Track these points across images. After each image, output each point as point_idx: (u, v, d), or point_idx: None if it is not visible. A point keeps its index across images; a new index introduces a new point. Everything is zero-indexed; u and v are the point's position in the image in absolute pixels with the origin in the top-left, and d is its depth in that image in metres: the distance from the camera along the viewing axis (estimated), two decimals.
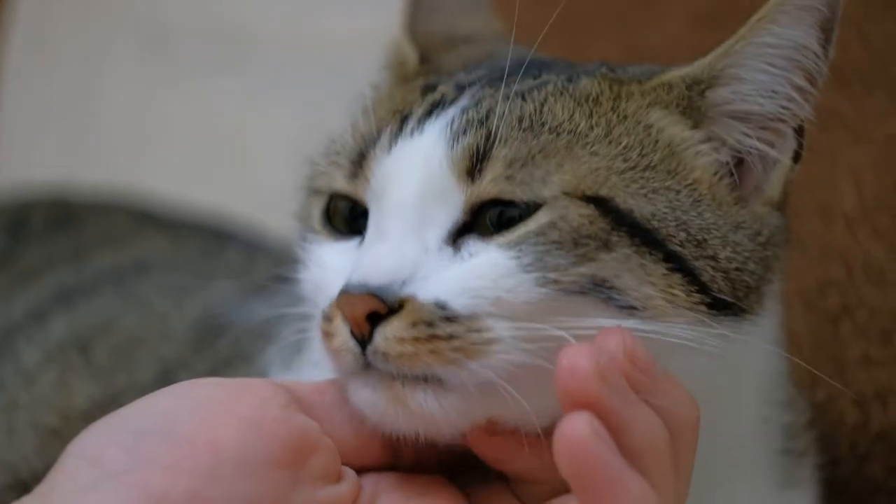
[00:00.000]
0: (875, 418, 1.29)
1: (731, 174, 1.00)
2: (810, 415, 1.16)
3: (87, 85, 2.28)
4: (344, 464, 0.93)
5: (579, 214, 0.93)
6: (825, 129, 1.39)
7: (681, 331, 0.93)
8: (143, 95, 2.23)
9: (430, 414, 0.91)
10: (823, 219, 1.38)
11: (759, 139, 1.00)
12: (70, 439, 0.88)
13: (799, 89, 1.00)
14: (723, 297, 0.95)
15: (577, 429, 0.81)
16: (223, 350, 1.33)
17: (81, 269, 1.64)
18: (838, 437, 1.29)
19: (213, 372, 1.09)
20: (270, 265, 1.11)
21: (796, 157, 1.02)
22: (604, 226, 0.93)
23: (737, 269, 0.96)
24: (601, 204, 0.94)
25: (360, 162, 1.00)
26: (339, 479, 0.91)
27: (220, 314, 1.38)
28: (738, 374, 1.01)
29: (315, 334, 0.98)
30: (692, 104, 1.00)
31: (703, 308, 0.94)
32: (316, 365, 1.04)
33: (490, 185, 0.94)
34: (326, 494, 0.89)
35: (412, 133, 0.99)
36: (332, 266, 1.00)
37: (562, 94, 1.00)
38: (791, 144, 1.01)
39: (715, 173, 0.99)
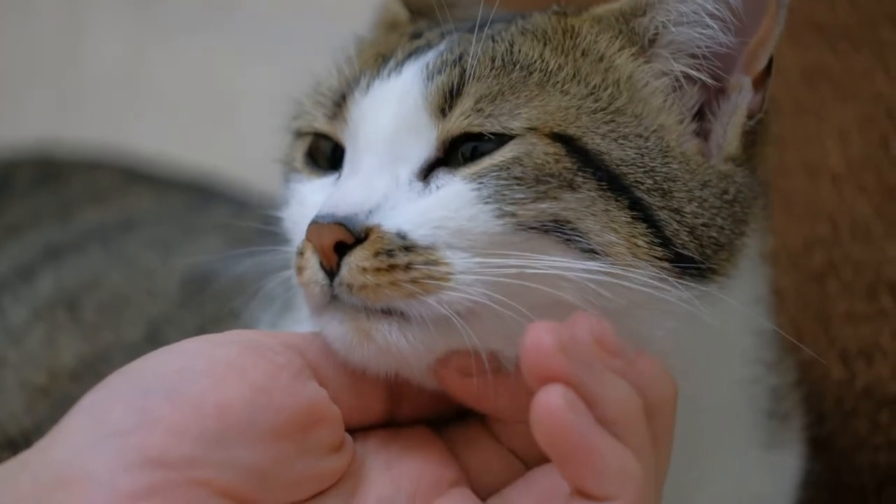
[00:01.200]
0: (860, 374, 1.30)
1: (697, 134, 1.00)
2: (797, 375, 1.17)
3: (72, 42, 2.27)
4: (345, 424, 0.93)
5: (545, 152, 0.94)
6: (812, 86, 1.40)
7: (642, 277, 0.93)
8: (129, 52, 2.23)
9: (396, 347, 0.92)
10: (810, 176, 1.39)
11: (690, 67, 1.00)
12: (58, 397, 0.88)
13: (714, 17, 0.99)
14: (687, 253, 0.95)
15: (551, 401, 0.82)
16: (211, 307, 1.33)
17: (68, 227, 1.64)
18: (824, 394, 1.30)
19: (202, 329, 1.10)
20: (257, 221, 1.11)
21: (762, 113, 1.02)
22: (569, 165, 0.94)
23: (703, 224, 0.96)
24: (569, 143, 0.94)
25: (340, 103, 1.02)
26: (340, 447, 0.91)
27: (207, 270, 1.38)
28: (718, 333, 1.00)
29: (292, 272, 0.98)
30: (629, 34, 1.01)
31: (666, 264, 0.94)
32: (300, 323, 1.04)
33: (459, 119, 0.96)
34: (327, 465, 0.90)
35: (390, 74, 1.00)
36: (310, 203, 1.00)
37: (523, 33, 1.01)
38: (746, 96, 1.01)
39: (680, 122, 1.00)
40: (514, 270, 0.91)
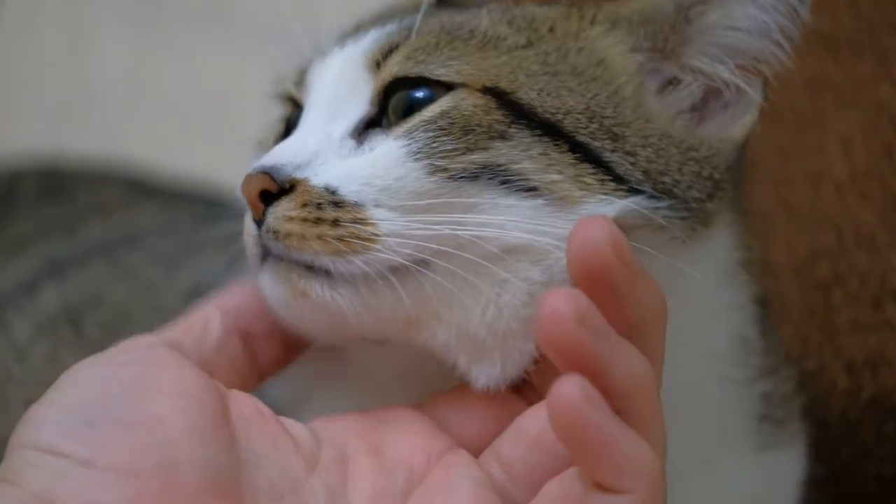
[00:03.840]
0: (866, 385, 1.30)
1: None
2: (795, 382, 1.15)
3: (78, 53, 2.27)
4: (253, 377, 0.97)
5: (473, 105, 0.94)
6: (815, 95, 1.40)
7: (592, 202, 0.93)
8: (135, 63, 2.23)
9: (334, 304, 0.93)
10: (813, 186, 1.39)
11: (732, 73, 1.00)
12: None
13: (784, 34, 0.99)
14: (643, 188, 0.94)
15: (568, 393, 0.81)
16: None
17: (72, 240, 1.64)
18: (829, 404, 1.30)
19: None
20: None
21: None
22: (499, 117, 0.94)
23: (659, 171, 0.95)
24: (500, 96, 0.95)
25: (306, 70, 1.05)
26: (272, 422, 0.91)
27: (211, 285, 1.38)
28: (689, 328, 0.97)
29: None
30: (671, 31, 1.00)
31: (621, 193, 0.93)
32: None
33: (391, 67, 0.97)
34: (268, 444, 0.89)
35: (348, 41, 1.03)
36: None
37: (503, 12, 1.03)
38: (758, 93, 1.00)
39: (640, 83, 0.99)
40: (445, 233, 0.91)
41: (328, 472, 0.90)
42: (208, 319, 0.98)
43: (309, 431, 0.93)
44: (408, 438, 0.93)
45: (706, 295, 1.03)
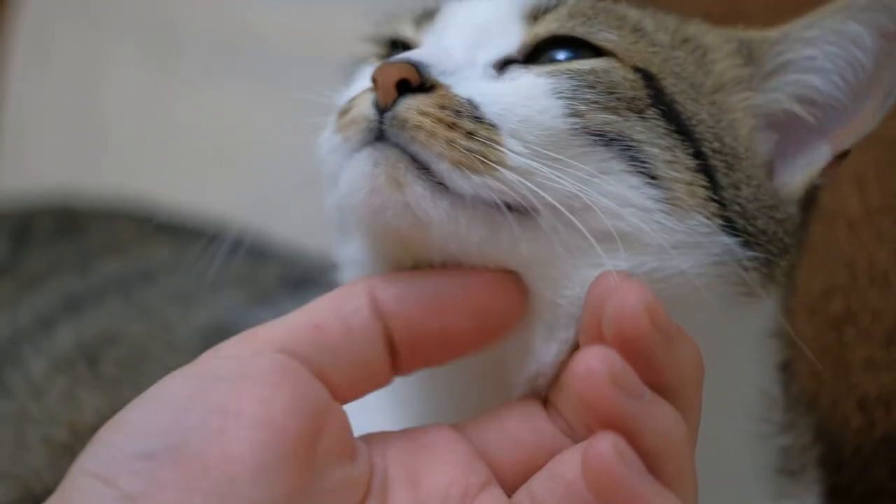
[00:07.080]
0: (879, 422, 1.29)
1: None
2: (812, 436, 1.16)
3: (91, 90, 2.27)
4: (351, 395, 0.91)
5: (624, 76, 0.95)
6: None
7: (698, 220, 0.93)
8: (148, 100, 2.23)
9: (424, 211, 0.89)
10: (827, 223, 1.39)
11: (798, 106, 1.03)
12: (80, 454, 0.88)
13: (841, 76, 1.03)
14: (738, 221, 0.95)
15: (602, 450, 0.82)
16: None
17: (87, 277, 1.64)
18: (843, 442, 1.29)
19: None
20: (276, 272, 1.11)
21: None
22: (643, 95, 0.95)
23: (753, 214, 0.97)
24: (649, 79, 0.96)
25: (434, 12, 1.03)
26: (352, 455, 0.89)
27: (226, 322, 1.38)
28: (721, 381, 0.96)
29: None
30: (748, 55, 1.04)
31: (719, 221, 0.94)
32: None
33: (548, 23, 0.98)
34: (340, 478, 0.87)
35: None
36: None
37: (642, 8, 1.05)
38: (824, 156, 1.03)
39: (754, 126, 1.02)
40: (566, 188, 0.90)
41: (373, 502, 0.89)
42: (354, 314, 0.91)
43: (367, 456, 0.91)
44: (445, 470, 0.91)
45: (745, 352, 1.04)
